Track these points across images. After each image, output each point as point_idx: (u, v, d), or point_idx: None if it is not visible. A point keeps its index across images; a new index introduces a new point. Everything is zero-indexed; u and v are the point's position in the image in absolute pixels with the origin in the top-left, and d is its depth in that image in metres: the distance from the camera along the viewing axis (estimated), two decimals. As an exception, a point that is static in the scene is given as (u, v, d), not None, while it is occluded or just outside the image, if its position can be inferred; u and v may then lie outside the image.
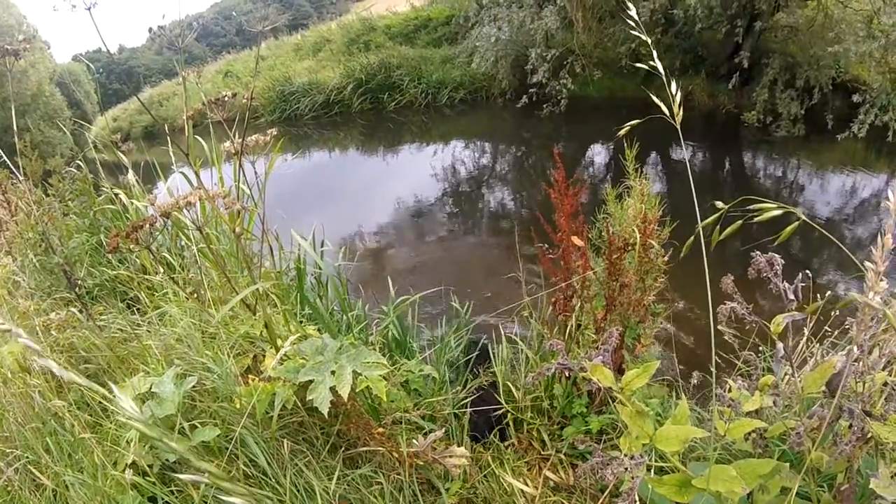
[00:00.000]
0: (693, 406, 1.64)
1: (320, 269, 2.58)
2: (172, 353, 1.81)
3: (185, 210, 1.30)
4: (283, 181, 6.58)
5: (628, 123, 1.19)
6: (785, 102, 7.62)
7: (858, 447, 0.95)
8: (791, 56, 7.91)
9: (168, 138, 2.21)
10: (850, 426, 0.95)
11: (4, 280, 2.53)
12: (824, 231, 1.14)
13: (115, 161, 3.27)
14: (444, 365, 2.03)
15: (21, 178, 2.65)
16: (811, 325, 1.47)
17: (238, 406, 1.36)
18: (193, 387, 1.52)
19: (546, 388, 1.92)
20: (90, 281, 2.63)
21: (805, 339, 1.63)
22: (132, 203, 2.89)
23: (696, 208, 1.03)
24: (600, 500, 1.49)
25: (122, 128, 14.27)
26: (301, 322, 2.10)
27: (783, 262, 1.07)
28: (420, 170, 8.55)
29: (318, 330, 1.84)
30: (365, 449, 1.51)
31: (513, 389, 1.94)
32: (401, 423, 1.68)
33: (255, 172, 1.73)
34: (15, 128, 2.48)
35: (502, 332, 2.16)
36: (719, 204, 1.00)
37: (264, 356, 1.60)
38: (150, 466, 1.38)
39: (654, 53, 1.16)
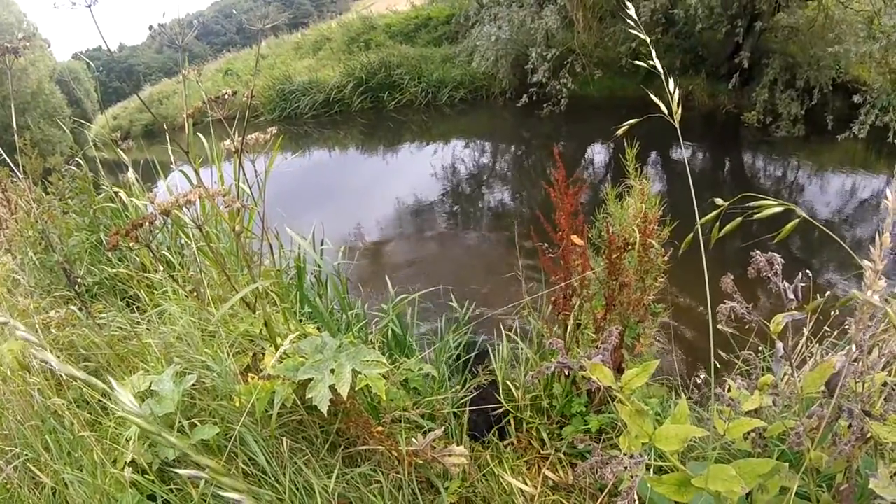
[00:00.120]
0: (692, 405, 1.64)
1: (320, 267, 2.57)
2: (172, 351, 1.81)
3: (184, 208, 1.30)
4: (283, 180, 6.59)
5: (626, 123, 1.19)
6: (785, 103, 7.62)
7: (858, 447, 0.95)
8: (791, 56, 7.91)
9: (168, 136, 2.20)
10: (850, 426, 0.95)
11: (4, 278, 2.54)
12: (824, 228, 1.14)
13: (115, 159, 3.28)
14: (444, 364, 2.03)
15: (21, 176, 2.65)
16: (811, 324, 1.47)
17: (237, 404, 1.36)
18: (193, 385, 1.52)
19: (545, 387, 1.92)
20: (90, 279, 2.63)
21: (805, 338, 1.63)
22: (132, 201, 2.89)
23: (696, 208, 1.03)
24: (599, 500, 1.49)
25: (122, 126, 14.27)
26: (300, 320, 2.10)
27: (783, 261, 1.07)
28: (420, 169, 8.55)
29: (318, 328, 1.83)
30: (364, 447, 1.51)
31: (512, 388, 1.94)
32: (400, 421, 1.67)
33: (255, 171, 1.73)
34: (15, 126, 2.49)
35: (502, 331, 2.16)
36: (719, 201, 1.00)
37: (264, 354, 1.60)
38: (150, 464, 1.38)
39: (654, 53, 1.16)
